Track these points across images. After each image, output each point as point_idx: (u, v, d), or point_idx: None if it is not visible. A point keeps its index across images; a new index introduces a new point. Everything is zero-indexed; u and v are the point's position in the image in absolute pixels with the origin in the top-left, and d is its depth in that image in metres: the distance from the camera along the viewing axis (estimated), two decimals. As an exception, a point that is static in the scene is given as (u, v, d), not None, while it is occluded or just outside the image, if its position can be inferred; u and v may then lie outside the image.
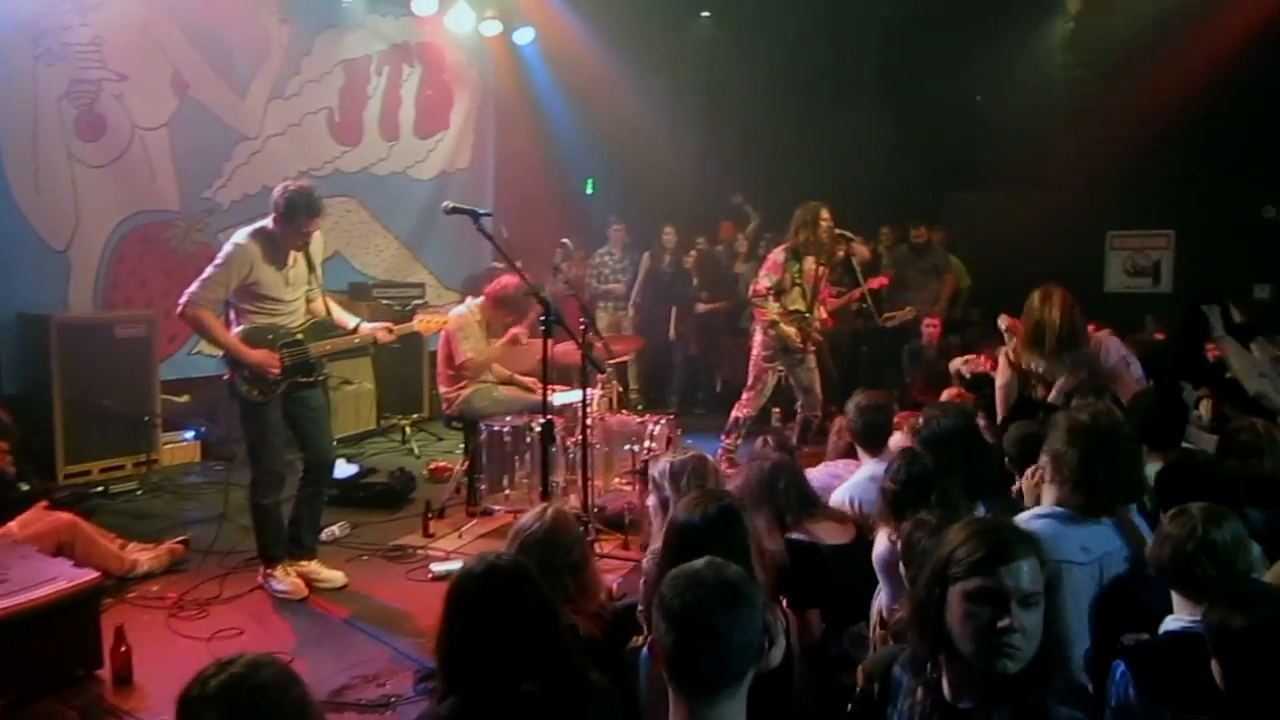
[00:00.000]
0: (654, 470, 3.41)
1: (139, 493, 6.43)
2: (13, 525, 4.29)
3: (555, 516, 2.85)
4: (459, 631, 2.19)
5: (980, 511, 3.24)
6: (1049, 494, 2.95)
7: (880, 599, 3.17)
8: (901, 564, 2.74)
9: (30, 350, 6.55)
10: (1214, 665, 2.05)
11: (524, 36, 9.81)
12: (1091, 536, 2.79)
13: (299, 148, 8.36)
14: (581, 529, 2.96)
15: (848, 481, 3.98)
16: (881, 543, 3.12)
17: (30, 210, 6.72)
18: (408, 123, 9.51)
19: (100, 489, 6.28)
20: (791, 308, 6.65)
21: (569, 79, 10.24)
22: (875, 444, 4.04)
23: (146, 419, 6.77)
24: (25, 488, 4.88)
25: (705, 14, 11.15)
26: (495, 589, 2.22)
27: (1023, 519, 2.99)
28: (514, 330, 6.03)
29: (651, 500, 3.38)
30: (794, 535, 3.38)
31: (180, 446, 7.24)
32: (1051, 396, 4.71)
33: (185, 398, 7.32)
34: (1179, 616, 2.36)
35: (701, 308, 9.57)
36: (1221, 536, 2.31)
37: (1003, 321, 5.27)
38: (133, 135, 7.28)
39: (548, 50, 10.10)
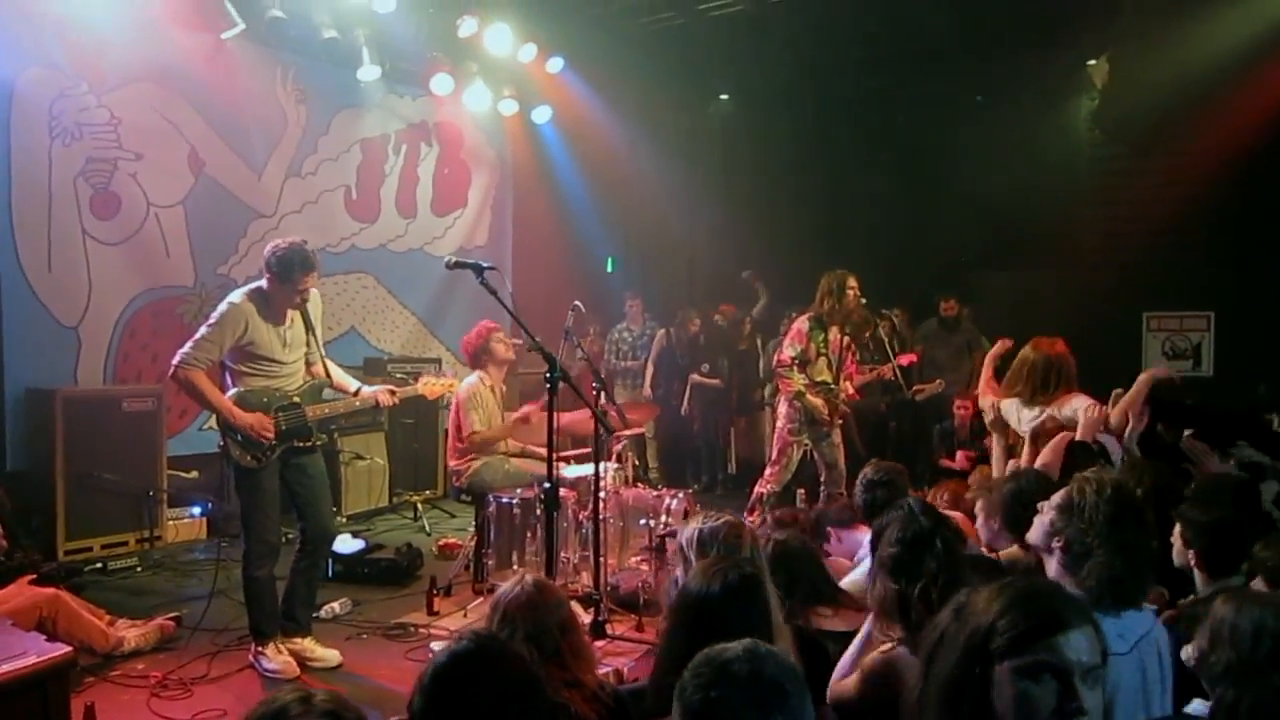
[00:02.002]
0: (681, 538, 3.14)
1: (138, 569, 6.24)
2: (-9, 598, 4.10)
3: (536, 581, 2.66)
4: None
5: None
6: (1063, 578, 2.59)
7: None
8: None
9: (35, 425, 6.45)
10: None
11: (541, 115, 9.87)
12: (1126, 622, 2.43)
13: (316, 225, 8.35)
14: (563, 596, 2.72)
15: (862, 565, 3.71)
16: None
17: (41, 287, 6.69)
18: (425, 200, 9.54)
19: (98, 565, 6.10)
20: (817, 379, 6.41)
21: (587, 158, 10.28)
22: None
23: (150, 494, 6.61)
24: (10, 561, 4.69)
25: (724, 96, 11.20)
26: (466, 678, 1.98)
27: None
28: (526, 409, 5.88)
29: (679, 572, 3.11)
30: (800, 623, 3.05)
31: (186, 523, 7.06)
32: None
33: (194, 474, 7.17)
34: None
35: (695, 379, 9.37)
36: None
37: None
38: (148, 213, 7.29)
39: (566, 129, 10.16)
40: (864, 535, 3.93)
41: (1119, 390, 4.53)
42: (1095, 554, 2.43)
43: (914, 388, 8.59)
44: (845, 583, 3.63)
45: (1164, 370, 4.57)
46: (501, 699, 1.95)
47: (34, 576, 4.48)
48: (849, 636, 2.91)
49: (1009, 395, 4.91)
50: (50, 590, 4.33)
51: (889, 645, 2.55)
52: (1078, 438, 4.51)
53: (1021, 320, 9.48)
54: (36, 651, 3.45)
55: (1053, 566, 2.59)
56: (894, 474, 3.95)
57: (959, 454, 7.60)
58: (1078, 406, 4.57)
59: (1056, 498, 2.67)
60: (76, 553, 6.24)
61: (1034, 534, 2.72)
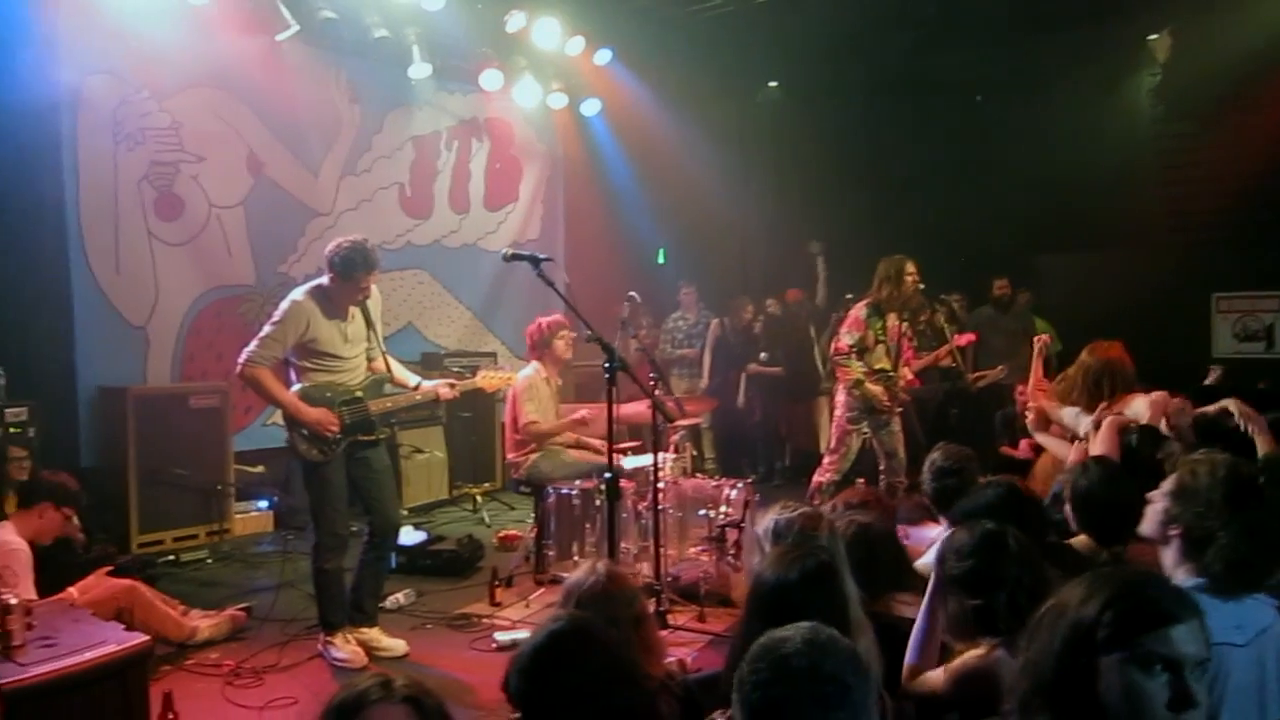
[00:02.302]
0: (758, 528, 3.11)
1: (209, 561, 6.40)
2: (72, 590, 4.23)
3: (609, 570, 2.64)
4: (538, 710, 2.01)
5: None
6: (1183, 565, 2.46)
7: None
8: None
9: (108, 422, 6.63)
10: None
11: (591, 108, 9.89)
12: (1246, 612, 2.30)
13: (371, 222, 8.44)
14: (635, 585, 2.70)
15: (932, 552, 3.63)
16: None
17: (111, 289, 6.87)
18: (477, 195, 9.62)
19: (170, 557, 6.27)
20: (876, 366, 6.35)
21: (637, 149, 10.27)
22: (950, 509, 3.58)
23: (218, 488, 6.77)
24: (88, 554, 4.84)
25: (772, 83, 11.11)
26: (563, 656, 2.04)
27: None
28: (583, 411, 5.91)
29: (756, 560, 3.08)
30: (877, 610, 2.93)
31: (253, 516, 7.22)
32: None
33: (260, 468, 7.32)
34: None
35: (753, 368, 9.32)
36: None
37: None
38: (209, 214, 7.45)
39: (615, 121, 10.17)
40: (934, 531, 3.86)
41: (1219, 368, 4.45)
42: (1218, 537, 2.35)
43: (974, 375, 8.47)
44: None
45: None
46: (597, 678, 2.00)
47: (111, 568, 4.61)
48: None
49: (1065, 402, 4.83)
50: (127, 581, 4.46)
51: (984, 649, 2.44)
52: (1144, 421, 4.41)
53: (1085, 303, 9.34)
54: (116, 640, 3.56)
55: (1170, 555, 2.49)
56: (964, 460, 3.79)
57: (1022, 442, 7.47)
58: (1139, 409, 4.48)
59: (1167, 485, 2.57)
60: (149, 545, 6.41)
61: (1148, 525, 2.61)
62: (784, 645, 1.55)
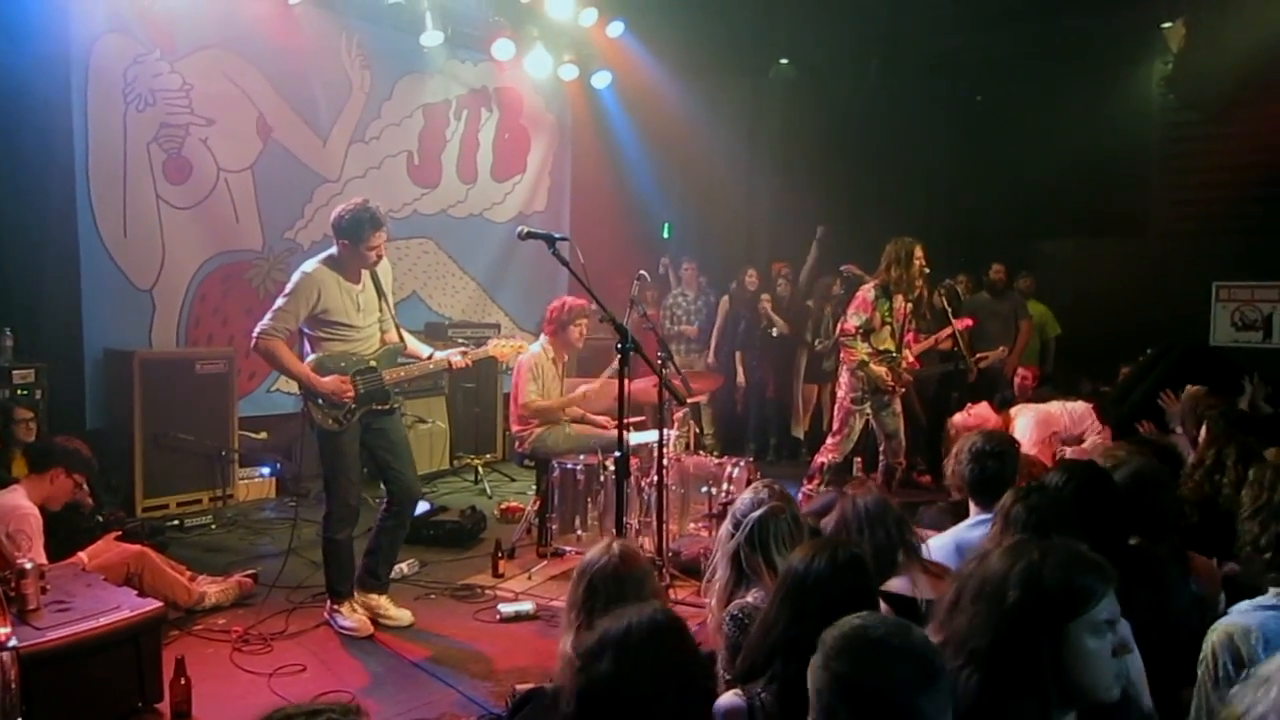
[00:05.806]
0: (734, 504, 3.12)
1: (213, 526, 6.44)
2: (83, 555, 4.27)
3: (623, 551, 2.66)
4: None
5: None
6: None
7: None
8: None
9: (114, 385, 6.65)
10: None
11: (601, 80, 9.83)
12: None
13: (378, 190, 8.40)
14: (650, 565, 2.73)
15: (948, 533, 3.55)
16: None
17: (118, 251, 6.85)
18: (485, 166, 9.57)
19: (175, 522, 6.30)
20: (880, 347, 6.39)
21: (646, 123, 10.22)
22: (989, 497, 3.38)
23: (223, 454, 6.80)
24: (99, 519, 4.87)
25: (784, 60, 11.04)
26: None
27: (1241, 609, 2.39)
28: (581, 389, 6.01)
29: (723, 531, 3.07)
30: (891, 587, 2.93)
31: (256, 482, 7.26)
32: None
33: (263, 435, 7.36)
34: None
35: (775, 331, 9.25)
36: None
37: None
38: (218, 178, 7.41)
39: (625, 94, 10.11)
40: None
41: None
42: None
43: (977, 356, 8.51)
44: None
45: None
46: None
47: (120, 533, 4.65)
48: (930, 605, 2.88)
49: None
50: (137, 547, 4.50)
51: None
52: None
53: (1087, 289, 9.39)
54: (130, 606, 3.62)
55: None
56: (1007, 444, 3.59)
57: None
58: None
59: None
60: (153, 509, 6.45)
61: None
62: (870, 631, 1.58)
